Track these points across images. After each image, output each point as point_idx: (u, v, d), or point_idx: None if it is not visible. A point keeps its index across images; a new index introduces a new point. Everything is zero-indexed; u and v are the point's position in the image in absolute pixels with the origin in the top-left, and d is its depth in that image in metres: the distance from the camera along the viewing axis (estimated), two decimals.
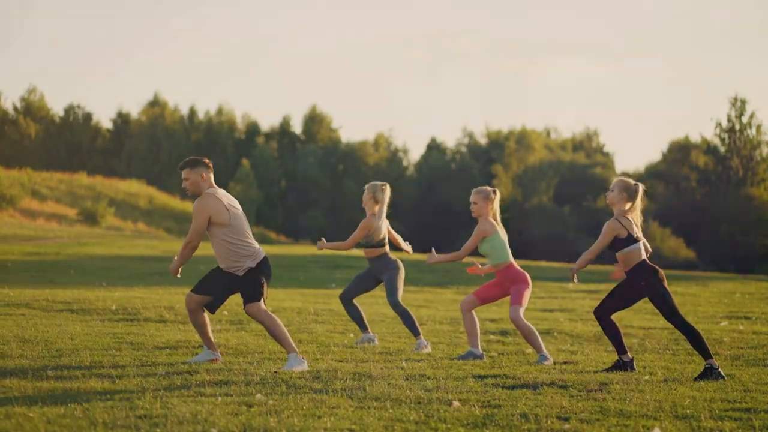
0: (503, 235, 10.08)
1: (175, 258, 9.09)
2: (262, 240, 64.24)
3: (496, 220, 10.11)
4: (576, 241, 64.13)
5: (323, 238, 11.53)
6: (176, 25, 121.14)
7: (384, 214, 11.19)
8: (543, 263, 34.13)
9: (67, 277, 22.52)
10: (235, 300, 16.30)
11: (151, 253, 31.42)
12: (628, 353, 9.38)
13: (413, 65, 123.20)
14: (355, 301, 11.48)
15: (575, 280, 9.41)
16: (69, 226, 49.49)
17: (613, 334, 9.30)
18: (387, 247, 11.20)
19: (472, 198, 10.10)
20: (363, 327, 11.36)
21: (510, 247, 10.13)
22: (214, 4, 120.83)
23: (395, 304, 11.03)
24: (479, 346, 10.17)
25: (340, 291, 20.62)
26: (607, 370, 9.20)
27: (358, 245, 11.34)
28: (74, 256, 29.38)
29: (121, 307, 13.83)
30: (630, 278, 9.16)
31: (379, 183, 11.23)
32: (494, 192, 10.12)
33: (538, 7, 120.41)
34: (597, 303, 18.30)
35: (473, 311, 10.17)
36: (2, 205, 50.50)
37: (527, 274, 10.10)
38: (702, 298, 20.32)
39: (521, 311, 9.91)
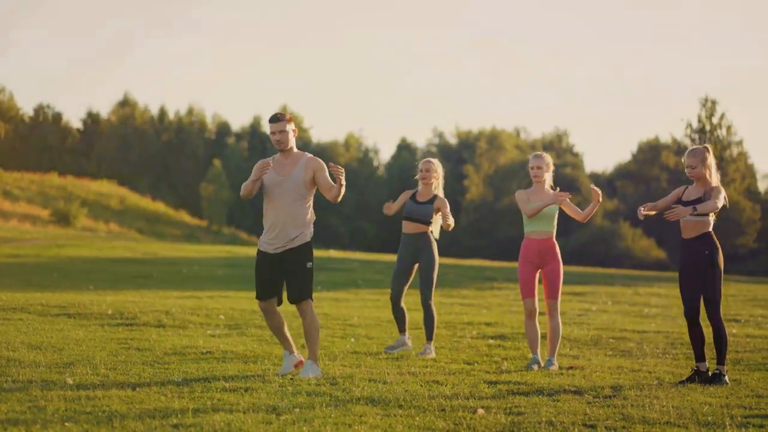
0: None
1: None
2: (234, 240, 64.15)
3: None
4: None
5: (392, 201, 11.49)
6: (146, 24, 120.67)
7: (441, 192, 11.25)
8: (515, 264, 34.13)
9: (52, 280, 22.48)
10: (229, 304, 16.40)
11: (132, 255, 31.40)
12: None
13: (383, 65, 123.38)
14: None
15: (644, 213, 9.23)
16: (43, 227, 49.33)
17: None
18: (432, 226, 11.20)
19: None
20: (402, 329, 11.26)
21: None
22: (184, 4, 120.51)
23: (426, 299, 11.04)
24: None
25: (326, 293, 20.70)
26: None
27: (404, 216, 11.29)
28: (55, 258, 29.33)
29: (117, 312, 13.83)
30: (695, 248, 9.32)
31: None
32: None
33: (507, 7, 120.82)
34: (597, 307, 18.60)
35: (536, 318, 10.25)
36: None
37: None
38: None
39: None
